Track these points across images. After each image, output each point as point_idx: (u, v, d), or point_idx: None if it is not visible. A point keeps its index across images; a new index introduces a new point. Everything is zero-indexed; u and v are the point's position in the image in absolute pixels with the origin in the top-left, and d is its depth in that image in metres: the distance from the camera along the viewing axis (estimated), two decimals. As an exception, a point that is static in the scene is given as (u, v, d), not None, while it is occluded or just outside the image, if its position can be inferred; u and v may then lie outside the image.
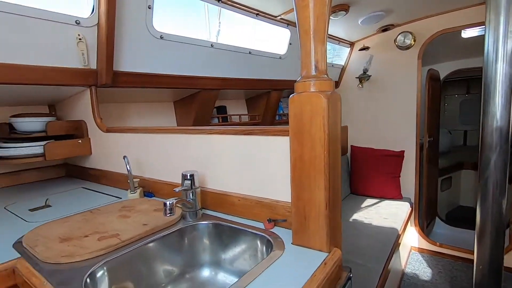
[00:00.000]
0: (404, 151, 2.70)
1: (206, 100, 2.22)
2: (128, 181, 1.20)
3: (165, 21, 1.74)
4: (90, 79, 1.47)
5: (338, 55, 3.09)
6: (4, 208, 1.17)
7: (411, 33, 2.55)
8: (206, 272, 0.90)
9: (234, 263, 0.87)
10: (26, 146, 1.37)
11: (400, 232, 2.12)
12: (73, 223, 0.91)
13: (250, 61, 2.32)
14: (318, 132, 0.66)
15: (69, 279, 0.63)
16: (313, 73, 0.68)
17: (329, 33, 2.66)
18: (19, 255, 0.75)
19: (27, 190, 1.48)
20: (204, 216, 0.97)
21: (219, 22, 2.10)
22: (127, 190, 1.27)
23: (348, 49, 3.03)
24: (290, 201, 0.76)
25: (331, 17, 2.24)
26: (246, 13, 2.00)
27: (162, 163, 1.22)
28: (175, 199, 0.80)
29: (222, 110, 2.53)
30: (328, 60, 3.04)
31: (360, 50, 2.91)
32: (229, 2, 1.85)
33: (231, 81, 2.25)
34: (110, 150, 1.46)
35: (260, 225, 0.87)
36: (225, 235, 0.90)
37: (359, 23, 2.40)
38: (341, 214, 0.76)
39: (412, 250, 2.74)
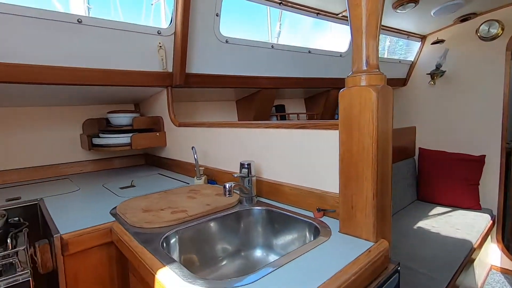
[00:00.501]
0: (485, 155, 2.39)
1: (265, 99, 2.33)
2: (195, 169, 1.37)
3: (230, 26, 1.90)
4: (167, 81, 1.70)
5: (410, 51, 2.88)
6: (102, 185, 1.46)
7: (497, 21, 2.24)
8: (258, 253, 0.99)
9: (284, 246, 0.94)
10: (118, 137, 1.67)
11: (475, 246, 1.90)
12: (152, 199, 1.10)
13: (310, 60, 2.35)
14: (367, 125, 0.69)
15: (149, 239, 0.79)
16: (364, 67, 0.70)
17: (396, 27, 2.51)
18: (114, 219, 0.95)
19: (117, 173, 1.79)
20: (258, 203, 1.06)
21: (280, 24, 2.18)
22: (193, 177, 1.45)
23: (419, 44, 2.80)
24: (338, 193, 0.80)
25: (398, 11, 2.12)
26: (306, 13, 2.04)
27: (223, 154, 1.35)
28: (234, 183, 0.91)
29: (280, 108, 2.61)
30: (399, 56, 2.86)
31: (433, 43, 2.67)
32: (290, 4, 1.92)
33: (289, 80, 2.32)
34: (181, 142, 1.67)
35: (310, 214, 0.92)
36: (277, 221, 0.97)
37: (432, 14, 2.22)
38: (391, 210, 0.76)
39: (492, 269, 2.40)
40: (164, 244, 0.79)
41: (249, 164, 1.03)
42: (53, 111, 1.78)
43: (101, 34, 1.43)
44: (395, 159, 2.34)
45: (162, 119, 1.81)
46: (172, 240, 0.83)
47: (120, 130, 1.76)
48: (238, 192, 1.06)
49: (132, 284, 0.86)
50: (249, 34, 2.06)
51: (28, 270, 0.78)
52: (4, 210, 1.11)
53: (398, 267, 0.72)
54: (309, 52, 2.31)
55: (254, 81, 2.13)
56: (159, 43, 1.61)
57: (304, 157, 0.97)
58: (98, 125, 1.85)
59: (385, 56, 2.85)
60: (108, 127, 1.79)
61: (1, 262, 0.79)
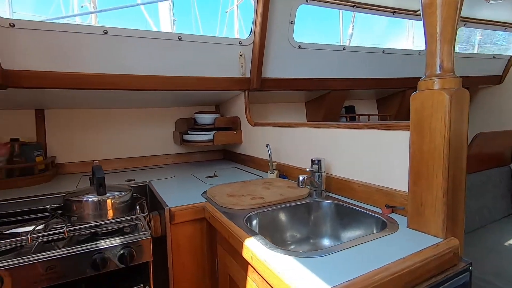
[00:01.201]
0: None
1: (335, 100, 2.37)
2: (269, 164, 1.53)
3: (303, 32, 2.01)
4: (245, 85, 1.91)
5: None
6: (191, 174, 1.74)
7: None
8: (326, 242, 1.08)
9: (351, 238, 1.02)
10: (203, 134, 1.95)
11: None
12: (234, 187, 1.29)
13: (383, 60, 2.30)
14: (439, 126, 0.72)
15: (235, 217, 0.96)
16: (438, 72, 0.74)
17: (490, 19, 2.25)
18: (205, 200, 1.16)
19: (201, 165, 2.08)
20: (327, 197, 1.15)
21: (353, 26, 2.20)
22: (266, 171, 1.61)
23: (520, 35, 2.44)
24: (407, 191, 0.84)
25: (491, 1, 1.92)
26: (381, 13, 2.02)
27: (294, 152, 1.48)
28: (306, 176, 1.03)
29: (350, 109, 2.60)
30: (497, 51, 2.54)
31: (539, 34, 2.30)
32: (364, 6, 1.93)
33: (361, 81, 2.31)
34: (255, 140, 1.86)
35: (377, 210, 0.97)
36: (345, 214, 1.05)
37: (536, 2, 1.93)
38: (464, 213, 0.77)
39: None
40: (247, 223, 0.96)
41: (319, 161, 1.13)
42: (153, 112, 2.17)
43: (195, 47, 1.70)
44: (485, 165, 2.11)
45: (239, 119, 2.03)
46: (253, 220, 0.99)
47: (204, 128, 2.04)
48: (309, 186, 1.17)
49: (219, 253, 1.05)
50: (320, 38, 2.14)
51: (149, 231, 1.04)
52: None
53: (469, 267, 0.74)
54: (383, 52, 2.26)
55: (325, 83, 2.20)
56: (240, 52, 1.82)
57: (373, 156, 1.02)
58: (187, 123, 2.18)
59: (475, 52, 2.56)
60: (195, 126, 2.09)
61: (131, 223, 1.07)
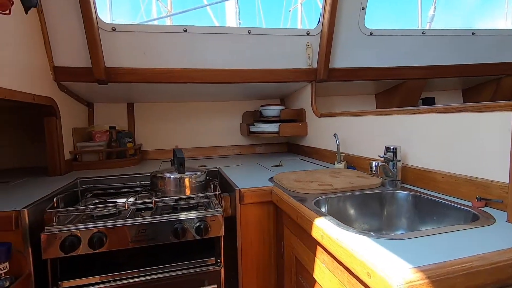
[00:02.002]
0: None
1: (410, 91, 2.16)
2: (336, 154, 1.49)
3: (375, 17, 1.89)
4: (311, 76, 1.89)
5: None
6: (257, 163, 1.80)
7: None
8: (401, 235, 1.00)
9: (431, 232, 0.92)
10: (268, 125, 2.00)
11: None
12: (299, 174, 1.30)
13: (473, 43, 2.01)
14: (555, 101, 0.61)
15: (303, 200, 0.97)
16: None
17: None
18: (272, 185, 1.19)
19: (266, 156, 2.14)
20: (402, 188, 1.07)
21: (434, 7, 1.97)
22: (331, 163, 1.57)
23: None
24: (507, 182, 0.73)
25: None
26: (471, -11, 1.76)
27: (364, 142, 1.41)
28: (380, 162, 0.97)
29: (429, 101, 2.34)
30: None
31: None
32: (450, -18, 1.72)
33: (442, 69, 2.06)
34: (321, 132, 1.82)
35: (465, 204, 0.86)
36: (424, 207, 0.96)
37: None
38: None
39: None
40: (315, 204, 0.95)
41: (395, 148, 1.05)
42: (222, 105, 2.30)
43: (262, 40, 1.76)
44: None
45: (305, 111, 2.02)
46: (322, 205, 0.98)
47: (269, 120, 2.09)
48: (382, 176, 1.10)
49: (286, 235, 1.07)
50: (395, 23, 1.98)
51: (221, 208, 1.12)
52: (199, 172, 1.57)
53: None
54: (473, 34, 1.97)
55: (399, 72, 2.03)
56: (307, 42, 1.81)
57: (462, 143, 0.91)
58: (253, 116, 2.26)
59: None
60: (260, 118, 2.15)
61: (205, 200, 1.17)
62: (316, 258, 0.83)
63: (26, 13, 1.07)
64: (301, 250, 0.95)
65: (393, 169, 1.06)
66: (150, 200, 1.05)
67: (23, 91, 1.24)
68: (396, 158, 1.06)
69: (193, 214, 1.07)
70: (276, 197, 1.11)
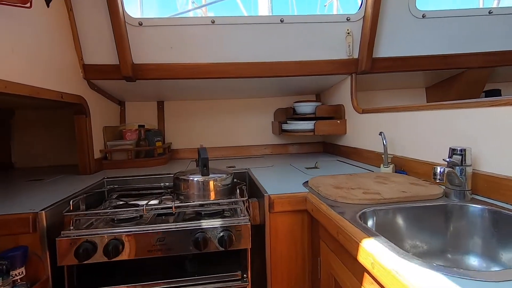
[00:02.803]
0: None
1: (471, 82, 1.85)
2: (382, 156, 1.28)
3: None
4: (352, 67, 1.69)
5: None
6: (290, 164, 1.64)
7: None
8: (473, 261, 0.79)
9: (519, 261, 0.70)
10: (303, 123, 1.83)
11: None
12: (339, 179, 1.12)
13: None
14: None
15: (345, 212, 0.80)
16: None
17: None
18: (307, 191, 1.04)
19: (299, 157, 1.97)
20: (473, 200, 0.85)
21: (505, -20, 1.65)
22: (375, 165, 1.37)
23: None
24: None
25: None
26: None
27: (417, 142, 1.19)
28: (446, 168, 0.77)
29: (494, 95, 1.99)
30: None
31: None
32: None
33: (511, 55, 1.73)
34: (363, 130, 1.62)
35: None
36: (507, 227, 0.74)
37: None
38: None
39: None
40: (360, 218, 0.78)
41: (463, 150, 0.84)
42: (253, 102, 2.18)
43: (297, 29, 1.60)
44: None
45: (343, 107, 1.82)
46: (369, 219, 0.81)
47: (304, 117, 1.92)
48: (444, 186, 0.89)
49: (323, 250, 0.91)
50: (452, 3, 1.70)
51: (248, 217, 0.99)
52: (226, 173, 1.46)
53: None
54: (557, 10, 1.62)
55: (457, 60, 1.74)
56: (347, 29, 1.61)
57: None
58: (286, 113, 2.10)
59: None
60: (294, 115, 1.99)
61: (231, 206, 1.05)
62: (362, 287, 0.66)
63: (48, 6, 1.04)
64: (341, 272, 0.78)
65: (461, 176, 0.84)
66: (170, 205, 0.95)
67: (49, 89, 1.22)
68: (465, 163, 0.84)
69: (216, 222, 0.96)
70: (311, 206, 0.95)
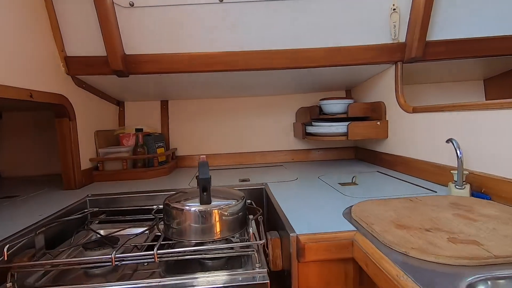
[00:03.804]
0: None
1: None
2: (452, 171, 0.92)
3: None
4: (397, 54, 1.33)
5: None
6: (318, 177, 1.31)
7: None
8: None
9: None
10: (333, 125, 1.49)
11: None
12: (396, 208, 0.78)
13: None
14: None
15: (433, 282, 0.46)
16: None
17: None
18: (353, 229, 0.70)
19: (328, 166, 1.63)
20: None
21: None
22: (436, 182, 1.01)
23: None
24: None
25: None
26: None
27: (504, 153, 0.82)
28: None
29: None
30: None
31: None
32: None
33: None
34: (413, 134, 1.25)
35: None
36: None
37: None
38: None
39: None
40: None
41: None
42: (270, 100, 1.85)
43: (325, 7, 1.25)
44: None
45: (384, 105, 1.46)
46: (481, 298, 0.47)
47: (332, 118, 1.58)
48: None
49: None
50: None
51: (266, 268, 0.68)
52: (239, 190, 1.16)
53: None
54: None
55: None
56: (393, 5, 1.25)
57: None
58: (311, 113, 1.76)
59: None
60: (320, 116, 1.65)
61: (243, 252, 0.73)
62: None
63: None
64: None
65: None
66: (151, 253, 0.65)
67: (14, 86, 0.96)
68: None
69: (219, 277, 0.65)
70: (363, 257, 0.62)
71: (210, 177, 0.74)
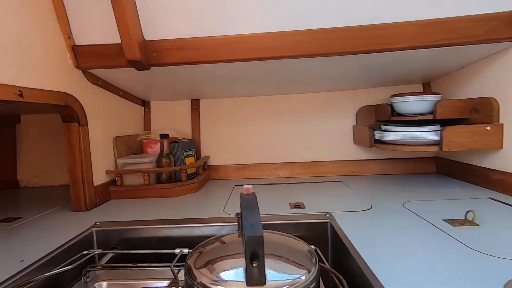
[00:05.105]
0: None
1: None
2: None
3: None
4: (527, 26, 0.89)
5: None
6: (402, 205, 0.92)
7: None
8: None
9: None
10: (415, 131, 1.09)
11: None
12: None
13: None
14: None
15: None
16: None
17: None
18: None
19: (404, 183, 1.22)
20: None
21: None
22: None
23: None
24: None
25: None
26: None
27: None
28: None
29: None
30: None
31: None
32: None
33: None
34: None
35: None
36: None
37: None
38: None
39: None
40: None
41: None
42: (323, 97, 1.49)
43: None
44: None
45: (496, 102, 1.02)
46: None
47: (411, 121, 1.18)
48: None
49: None
50: None
51: None
52: (291, 223, 0.82)
53: None
54: None
55: None
56: (530, -51, 0.82)
57: None
58: (376, 113, 1.37)
59: None
60: (392, 117, 1.25)
61: None
62: None
63: None
64: None
65: None
66: None
67: (2, 83, 0.71)
68: None
69: None
70: None
71: (262, 236, 0.41)
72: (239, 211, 0.52)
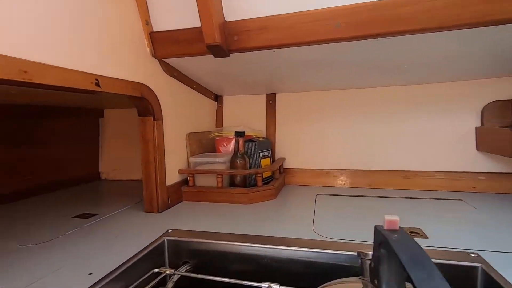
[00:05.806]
0: None
1: None
2: None
3: None
4: None
5: None
6: None
7: None
8: None
9: None
10: None
11: None
12: None
13: None
14: None
15: None
16: None
17: None
18: None
19: None
20: None
21: None
22: None
23: None
24: None
25: None
26: None
27: None
28: None
29: None
30: None
31: None
32: None
33: None
34: None
35: None
36: None
37: None
38: None
39: None
40: None
41: None
42: (428, 90, 1.17)
43: None
44: None
45: None
46: None
47: None
48: None
49: None
50: None
51: None
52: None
53: None
54: None
55: None
56: None
57: None
58: (519, 111, 1.01)
59: None
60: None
61: None
62: None
63: None
64: None
65: None
66: None
67: (75, 69, 0.65)
68: None
69: None
70: None
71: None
72: (360, 250, 0.34)
